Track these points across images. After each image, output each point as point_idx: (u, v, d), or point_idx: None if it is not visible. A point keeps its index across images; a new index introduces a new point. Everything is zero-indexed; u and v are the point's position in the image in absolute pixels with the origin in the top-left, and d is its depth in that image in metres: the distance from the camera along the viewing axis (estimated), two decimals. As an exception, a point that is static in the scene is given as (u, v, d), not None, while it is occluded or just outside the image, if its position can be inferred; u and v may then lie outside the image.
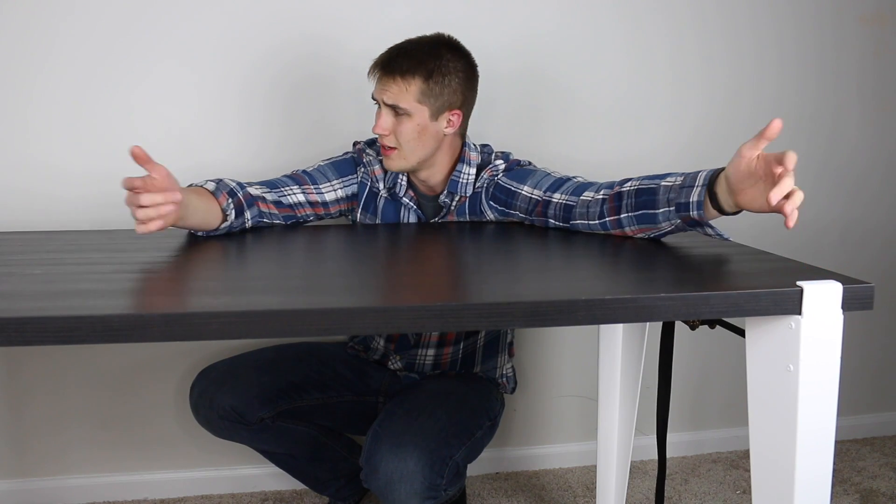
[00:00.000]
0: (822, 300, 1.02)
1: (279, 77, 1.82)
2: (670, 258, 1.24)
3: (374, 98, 1.51)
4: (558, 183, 1.49)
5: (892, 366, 2.27)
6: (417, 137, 1.50)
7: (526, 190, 1.51)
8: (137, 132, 1.78)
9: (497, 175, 1.56)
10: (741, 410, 1.22)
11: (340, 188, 1.61)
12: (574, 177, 1.51)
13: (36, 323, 0.88)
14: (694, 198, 1.21)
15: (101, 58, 1.74)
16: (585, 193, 1.42)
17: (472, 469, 2.02)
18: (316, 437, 1.71)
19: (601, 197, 1.38)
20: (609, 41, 1.95)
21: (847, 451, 2.20)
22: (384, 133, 1.50)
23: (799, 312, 1.01)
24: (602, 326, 1.60)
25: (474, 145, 1.61)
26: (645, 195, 1.30)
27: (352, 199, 1.63)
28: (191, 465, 1.95)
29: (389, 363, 1.72)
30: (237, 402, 1.56)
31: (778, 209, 1.07)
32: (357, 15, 1.82)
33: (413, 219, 1.61)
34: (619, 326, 1.56)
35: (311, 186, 1.57)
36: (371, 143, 1.65)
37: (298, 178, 1.58)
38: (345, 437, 1.80)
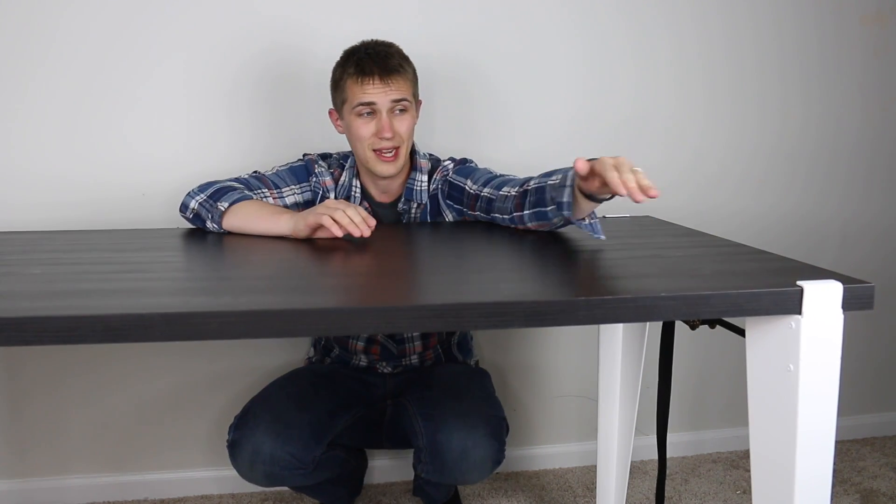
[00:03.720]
0: (823, 300, 1.01)
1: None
2: (670, 258, 1.24)
3: (362, 104, 1.51)
4: (490, 178, 1.55)
5: (892, 366, 2.27)
6: (412, 132, 1.57)
7: (468, 185, 1.57)
8: (136, 132, 1.78)
9: (448, 174, 1.62)
10: (741, 410, 1.21)
11: (299, 193, 1.62)
12: (507, 174, 1.56)
13: (35, 323, 0.88)
14: (564, 198, 1.29)
15: (98, 60, 1.74)
16: (504, 188, 1.48)
17: (472, 469, 2.02)
18: (343, 458, 1.71)
19: (514, 193, 1.44)
20: (611, 41, 1.94)
21: (847, 451, 2.20)
22: (395, 134, 1.52)
23: (799, 312, 1.01)
24: (602, 326, 1.60)
25: (423, 153, 1.65)
26: (538, 194, 1.37)
27: (307, 205, 1.62)
28: (191, 465, 1.95)
29: (378, 369, 1.72)
30: (296, 450, 1.49)
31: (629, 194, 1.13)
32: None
33: None
34: (619, 326, 1.55)
35: (274, 190, 1.59)
36: (324, 156, 1.67)
37: (263, 182, 1.59)
38: (354, 449, 1.81)
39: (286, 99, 1.83)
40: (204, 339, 0.93)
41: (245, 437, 1.48)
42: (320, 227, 1.36)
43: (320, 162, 1.64)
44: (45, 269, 1.16)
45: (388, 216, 1.64)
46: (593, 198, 1.26)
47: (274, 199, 1.58)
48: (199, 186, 1.52)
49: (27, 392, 1.85)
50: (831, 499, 1.07)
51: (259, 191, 1.56)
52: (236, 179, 1.57)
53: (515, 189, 1.45)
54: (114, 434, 1.90)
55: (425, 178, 1.62)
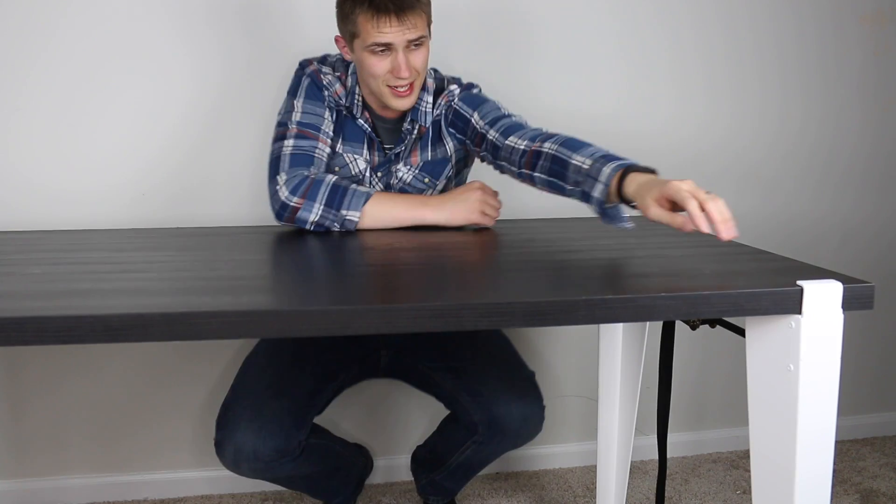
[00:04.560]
0: (823, 300, 1.01)
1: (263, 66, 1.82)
2: (670, 257, 1.24)
3: (378, 44, 1.42)
4: (497, 118, 1.49)
5: (892, 366, 2.27)
6: (427, 63, 1.50)
7: (475, 118, 1.52)
8: (135, 127, 1.78)
9: (453, 100, 1.56)
10: (741, 410, 1.21)
11: (330, 118, 1.55)
12: (514, 115, 1.50)
13: (35, 323, 0.88)
14: (595, 193, 1.21)
15: (96, 58, 1.74)
16: (511, 137, 1.42)
17: (472, 469, 2.02)
18: (338, 451, 1.71)
19: (523, 147, 1.39)
20: (605, 38, 1.94)
21: (847, 451, 2.20)
22: (411, 70, 1.45)
23: (799, 312, 1.01)
24: (602, 326, 1.60)
25: (429, 70, 1.58)
26: (557, 165, 1.31)
27: (333, 122, 1.56)
28: (191, 465, 1.95)
29: None
30: (278, 442, 1.47)
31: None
32: None
33: (367, 145, 1.56)
34: (619, 326, 1.55)
35: (322, 135, 1.52)
36: (322, 60, 1.58)
37: (309, 136, 1.51)
38: (354, 444, 1.80)
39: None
40: (204, 339, 0.93)
41: (227, 437, 1.47)
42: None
43: (324, 69, 1.55)
44: (45, 269, 1.16)
45: (388, 133, 1.58)
46: (627, 201, 1.19)
47: (324, 144, 1.51)
48: (294, 190, 1.44)
49: (27, 392, 1.85)
50: (831, 499, 1.07)
51: (318, 150, 1.50)
52: (296, 157, 1.48)
53: (525, 142, 1.39)
54: (114, 434, 1.90)
55: (430, 98, 1.56)
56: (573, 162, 1.27)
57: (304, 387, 1.57)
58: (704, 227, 1.04)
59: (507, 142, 1.42)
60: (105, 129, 1.77)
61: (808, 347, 1.02)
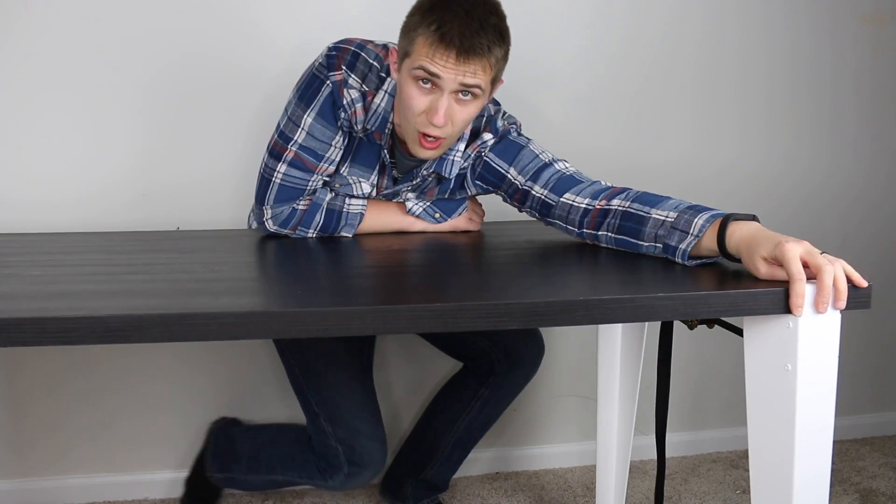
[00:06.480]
0: (820, 300, 1.02)
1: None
2: (667, 257, 1.24)
3: (425, 71, 1.23)
4: (539, 169, 1.37)
5: (890, 365, 2.27)
6: (470, 122, 1.32)
7: (511, 173, 1.39)
8: (135, 128, 1.78)
9: (484, 151, 1.42)
10: (740, 410, 1.22)
11: (340, 143, 1.39)
12: (556, 161, 1.39)
13: (35, 324, 0.88)
14: (683, 246, 1.14)
15: (92, 58, 1.74)
16: (567, 195, 1.32)
17: (473, 469, 2.02)
18: None
19: (585, 206, 1.30)
20: (604, 35, 1.95)
21: (846, 451, 2.20)
22: (449, 122, 1.27)
23: (797, 312, 1.01)
24: (601, 326, 1.61)
25: None
26: (631, 222, 1.21)
27: (343, 149, 1.42)
28: (191, 465, 1.95)
29: None
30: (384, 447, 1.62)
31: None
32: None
33: (378, 171, 1.44)
34: (618, 326, 1.56)
35: (320, 164, 1.38)
36: (353, 61, 1.35)
37: (307, 164, 1.38)
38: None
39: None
40: (203, 340, 0.93)
41: (366, 468, 1.60)
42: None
43: (351, 80, 1.33)
44: (45, 271, 1.16)
45: (404, 166, 1.45)
46: (727, 254, 1.11)
47: (322, 173, 1.40)
48: (284, 223, 1.43)
49: (27, 392, 1.85)
50: (830, 498, 1.07)
51: (311, 182, 1.39)
52: (284, 189, 1.39)
53: (587, 200, 1.29)
54: (114, 434, 1.90)
55: (462, 146, 1.40)
56: (653, 216, 1.19)
57: (371, 386, 1.66)
58: (832, 305, 1.02)
59: (562, 199, 1.32)
60: (104, 130, 1.77)
61: (805, 347, 1.02)
